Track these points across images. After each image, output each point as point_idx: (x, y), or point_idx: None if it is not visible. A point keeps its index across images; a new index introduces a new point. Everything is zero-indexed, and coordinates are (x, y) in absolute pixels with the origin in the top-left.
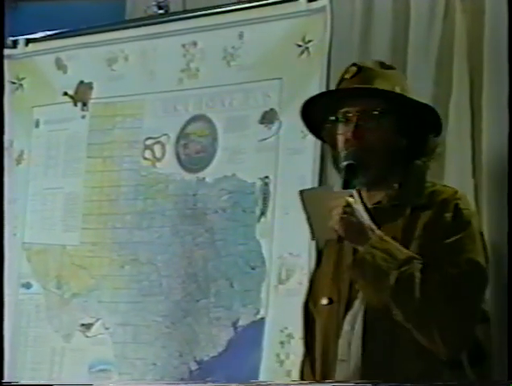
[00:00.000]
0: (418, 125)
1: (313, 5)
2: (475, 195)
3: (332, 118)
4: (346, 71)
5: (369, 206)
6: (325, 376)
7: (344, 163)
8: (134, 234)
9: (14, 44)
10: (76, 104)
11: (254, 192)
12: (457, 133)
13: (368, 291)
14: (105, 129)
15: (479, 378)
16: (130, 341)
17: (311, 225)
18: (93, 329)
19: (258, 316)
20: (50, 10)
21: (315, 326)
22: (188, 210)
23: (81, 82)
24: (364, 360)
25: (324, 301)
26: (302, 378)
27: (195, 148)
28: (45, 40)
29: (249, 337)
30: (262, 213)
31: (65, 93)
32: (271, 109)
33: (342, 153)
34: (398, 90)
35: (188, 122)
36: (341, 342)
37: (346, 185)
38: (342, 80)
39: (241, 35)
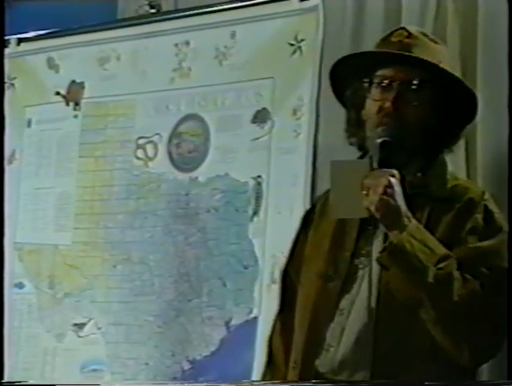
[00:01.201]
0: (455, 109)
1: (305, 4)
2: None
3: (366, 80)
4: (392, 34)
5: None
6: (305, 361)
7: (379, 141)
8: (127, 233)
9: (6, 44)
10: (68, 104)
11: (247, 191)
12: None
13: (400, 283)
14: (97, 128)
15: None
16: (123, 341)
17: (332, 200)
18: (86, 329)
19: (251, 315)
20: (41, 10)
21: (297, 299)
22: (181, 209)
23: (73, 81)
24: (355, 351)
25: (317, 275)
26: (270, 354)
27: (187, 147)
28: (37, 40)
29: (242, 336)
30: (255, 212)
31: (57, 93)
32: (264, 108)
33: (375, 127)
34: (443, 65)
35: (180, 121)
36: (333, 326)
37: (382, 163)
38: (386, 40)
39: (233, 34)
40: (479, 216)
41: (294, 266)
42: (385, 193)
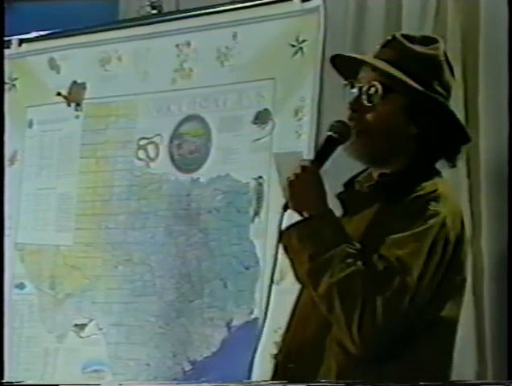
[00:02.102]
0: (432, 118)
1: (307, 5)
2: (469, 195)
3: (348, 83)
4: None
5: (367, 184)
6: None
7: (327, 134)
8: (128, 234)
9: (8, 44)
10: (69, 105)
11: (248, 192)
12: None
13: (291, 263)
14: (99, 129)
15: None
16: (124, 341)
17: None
18: (87, 329)
19: (252, 316)
20: (43, 10)
21: None
22: (182, 210)
23: (75, 82)
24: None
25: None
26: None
27: (188, 148)
28: (38, 40)
29: (243, 337)
30: (256, 213)
31: (59, 93)
32: (265, 109)
33: (334, 121)
34: (422, 73)
35: (182, 122)
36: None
37: (318, 156)
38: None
39: (234, 35)
40: (412, 212)
41: None
42: (293, 180)
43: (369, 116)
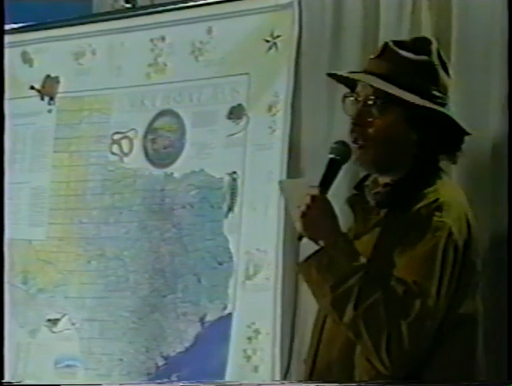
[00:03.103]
0: (430, 122)
1: (281, 0)
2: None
3: (348, 96)
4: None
5: (374, 191)
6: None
7: (329, 156)
8: (101, 229)
9: None
10: (42, 99)
11: (222, 187)
12: None
13: (311, 293)
14: (72, 123)
15: None
16: (97, 336)
17: (292, 218)
18: (60, 324)
19: (226, 311)
20: (16, 3)
21: None
22: (156, 205)
23: (48, 76)
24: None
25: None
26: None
27: (163, 143)
28: (11, 33)
29: (217, 332)
30: (230, 208)
31: (32, 87)
32: (239, 105)
33: (333, 144)
34: (417, 82)
35: (156, 117)
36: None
37: (323, 180)
38: (369, 59)
39: (209, 30)
40: (418, 227)
41: None
42: (305, 210)
43: (371, 129)
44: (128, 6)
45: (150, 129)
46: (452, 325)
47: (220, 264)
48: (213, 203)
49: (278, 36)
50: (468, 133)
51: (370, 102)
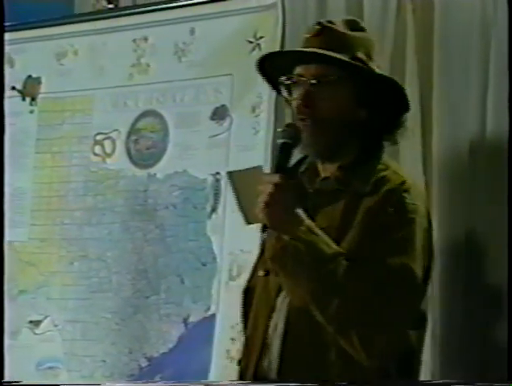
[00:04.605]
0: (380, 97)
1: (264, 1)
2: (426, 192)
3: (287, 80)
4: (309, 30)
5: (320, 178)
6: (247, 360)
7: (279, 141)
8: (84, 230)
9: None
10: (24, 99)
11: (205, 188)
12: (409, 130)
13: (287, 286)
14: (54, 124)
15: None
16: (79, 338)
17: (242, 209)
18: (42, 326)
19: (209, 312)
20: None
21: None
22: (139, 206)
23: (29, 76)
24: (282, 355)
25: (261, 273)
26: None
27: (145, 144)
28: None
29: (200, 333)
30: (213, 209)
31: (13, 88)
32: (222, 105)
33: (281, 129)
34: (360, 55)
35: (139, 118)
36: (271, 323)
37: (278, 166)
38: (305, 37)
39: (192, 31)
40: (391, 209)
41: (252, 280)
42: (269, 199)
43: (319, 108)
44: (110, 6)
45: (132, 130)
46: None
47: (204, 265)
48: (197, 204)
49: (262, 37)
50: (408, 109)
51: (315, 81)
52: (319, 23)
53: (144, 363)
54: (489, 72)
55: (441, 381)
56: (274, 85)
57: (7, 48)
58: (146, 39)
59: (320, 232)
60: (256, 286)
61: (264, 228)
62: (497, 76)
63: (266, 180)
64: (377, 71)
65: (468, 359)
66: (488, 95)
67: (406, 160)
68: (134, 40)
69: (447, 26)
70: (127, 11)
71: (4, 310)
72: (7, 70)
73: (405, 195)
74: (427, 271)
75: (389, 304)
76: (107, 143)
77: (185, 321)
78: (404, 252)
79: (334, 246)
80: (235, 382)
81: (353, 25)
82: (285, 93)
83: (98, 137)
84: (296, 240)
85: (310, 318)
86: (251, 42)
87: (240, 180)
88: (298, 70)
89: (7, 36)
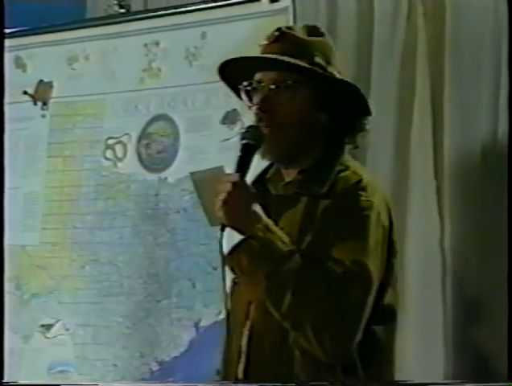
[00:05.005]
0: (340, 101)
1: (276, 5)
2: (437, 196)
3: (247, 85)
4: (268, 36)
5: (283, 183)
6: (226, 368)
7: (241, 142)
8: (95, 234)
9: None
10: (35, 104)
11: None
12: (420, 134)
13: (244, 283)
14: (66, 128)
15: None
16: (91, 342)
17: (205, 211)
18: (53, 330)
19: (220, 316)
20: (10, 8)
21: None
22: (150, 210)
23: (41, 81)
24: (251, 356)
25: (234, 279)
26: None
27: (156, 148)
28: (4, 38)
29: (211, 337)
30: None
31: (25, 92)
32: (233, 110)
33: (244, 130)
34: (318, 60)
35: (150, 122)
36: (245, 330)
37: (239, 166)
38: (264, 45)
39: (203, 35)
40: (346, 207)
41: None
42: (227, 197)
43: (278, 113)
44: (122, 11)
45: (144, 134)
46: (378, 315)
47: (215, 269)
48: None
49: None
50: (369, 113)
51: (274, 87)
52: (278, 29)
53: (155, 367)
54: (501, 74)
55: (441, 381)
56: (236, 91)
57: (19, 53)
58: (157, 44)
59: (277, 229)
60: (232, 293)
61: (223, 227)
62: (509, 78)
63: (226, 179)
64: (338, 76)
65: (482, 358)
66: (500, 97)
67: (418, 164)
68: (146, 45)
69: (458, 28)
70: (138, 16)
71: (4, 310)
72: (19, 74)
73: (360, 192)
74: (387, 266)
75: (342, 299)
76: (118, 147)
77: (196, 325)
78: (356, 248)
79: (290, 244)
80: (240, 383)
81: (312, 31)
82: (245, 99)
83: (109, 142)
84: (252, 238)
85: (271, 319)
86: None
87: (202, 181)
88: (257, 76)
89: (19, 41)
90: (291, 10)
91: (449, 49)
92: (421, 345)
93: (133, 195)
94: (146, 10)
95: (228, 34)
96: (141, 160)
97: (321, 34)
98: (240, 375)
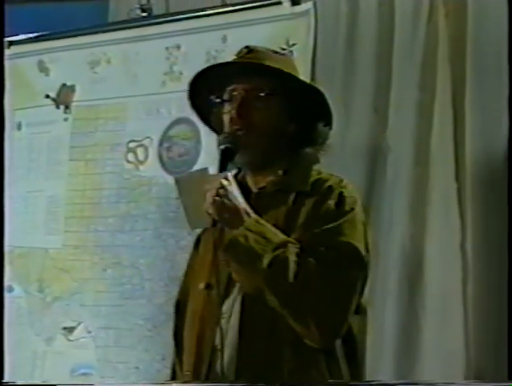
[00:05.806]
0: (307, 112)
1: (297, 8)
2: (458, 198)
3: (218, 99)
4: (237, 52)
5: (254, 190)
6: (197, 366)
7: (221, 147)
8: (117, 237)
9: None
10: (58, 107)
11: None
12: (441, 136)
13: (240, 275)
14: (88, 131)
15: (351, 370)
16: (113, 344)
17: (188, 214)
18: (75, 332)
19: None
20: (32, 12)
21: (187, 314)
22: (171, 213)
23: (64, 85)
24: (240, 349)
25: (202, 286)
26: (173, 377)
27: (178, 151)
28: (27, 42)
29: None
30: None
31: (47, 96)
32: None
33: (222, 136)
34: (287, 70)
35: (171, 125)
36: (218, 329)
37: (221, 168)
38: (233, 59)
39: (224, 39)
40: (332, 202)
41: (185, 286)
42: (217, 195)
43: (252, 120)
44: (143, 14)
45: (165, 137)
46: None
47: None
48: None
49: (294, 44)
50: (331, 128)
51: (250, 95)
52: (246, 47)
53: None
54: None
55: (441, 381)
56: (205, 114)
57: (42, 57)
58: (178, 47)
59: (265, 222)
60: (190, 299)
61: (214, 223)
62: None
63: (213, 179)
64: (308, 81)
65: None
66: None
67: (439, 166)
68: (167, 48)
69: (480, 30)
70: (160, 19)
71: (4, 309)
72: (42, 78)
73: (343, 190)
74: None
75: (339, 282)
76: (140, 150)
77: None
78: (348, 233)
79: (282, 235)
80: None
81: (276, 51)
82: (216, 109)
83: (131, 145)
84: (247, 231)
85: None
86: (284, 49)
87: (187, 183)
88: (231, 86)
89: (42, 45)
90: (312, 12)
91: (471, 51)
92: (441, 347)
93: (154, 197)
94: (168, 14)
95: (248, 37)
96: (162, 163)
97: (284, 54)
98: (220, 374)
